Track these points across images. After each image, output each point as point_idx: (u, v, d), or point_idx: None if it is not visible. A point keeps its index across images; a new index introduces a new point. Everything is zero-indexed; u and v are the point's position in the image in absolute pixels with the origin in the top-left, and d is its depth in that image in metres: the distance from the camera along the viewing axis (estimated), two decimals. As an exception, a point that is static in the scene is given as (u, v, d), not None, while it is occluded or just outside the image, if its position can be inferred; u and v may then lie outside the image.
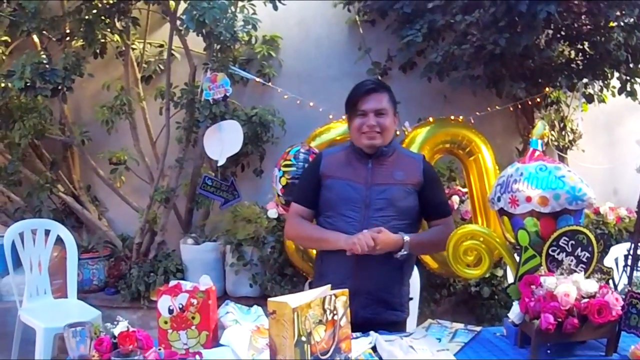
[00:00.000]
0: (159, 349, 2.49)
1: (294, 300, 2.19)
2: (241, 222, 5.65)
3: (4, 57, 5.97)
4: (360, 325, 2.79)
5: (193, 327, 2.66)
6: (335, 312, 2.32)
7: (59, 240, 5.22)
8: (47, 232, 5.17)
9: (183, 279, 5.60)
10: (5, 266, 4.92)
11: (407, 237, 3.12)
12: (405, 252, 3.14)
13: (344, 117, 4.93)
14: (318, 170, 3.30)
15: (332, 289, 2.41)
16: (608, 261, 4.26)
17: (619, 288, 2.77)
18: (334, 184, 3.24)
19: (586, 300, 2.47)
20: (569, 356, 2.59)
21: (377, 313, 3.13)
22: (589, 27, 5.34)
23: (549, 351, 2.58)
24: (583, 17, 5.29)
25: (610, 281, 2.68)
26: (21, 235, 4.97)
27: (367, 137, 3.17)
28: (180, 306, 2.64)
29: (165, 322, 2.65)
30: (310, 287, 3.05)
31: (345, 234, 3.11)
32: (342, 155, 3.33)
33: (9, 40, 6.02)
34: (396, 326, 3.16)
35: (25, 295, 4.97)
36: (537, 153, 2.91)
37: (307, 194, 3.38)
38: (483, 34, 5.07)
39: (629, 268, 2.76)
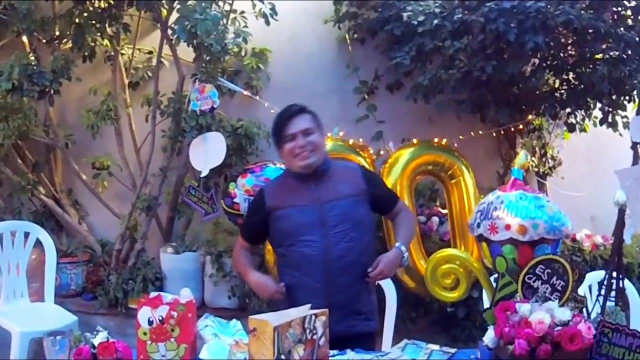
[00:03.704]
0: None
1: (274, 318, 2.22)
2: (222, 233, 5.67)
3: (-10, 58, 5.94)
4: (334, 340, 2.79)
5: (172, 340, 2.66)
6: (314, 331, 2.36)
7: (38, 243, 5.20)
8: (27, 235, 5.15)
9: (161, 287, 5.63)
10: (-17, 267, 4.87)
11: (402, 247, 3.31)
12: (406, 258, 3.35)
13: (329, 133, 5.01)
14: (264, 207, 3.34)
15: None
16: (583, 288, 4.31)
17: (592, 316, 2.81)
18: (285, 213, 3.27)
19: (559, 327, 2.49)
20: (542, 382, 2.61)
21: (352, 326, 3.17)
22: (574, 58, 5.42)
23: (522, 376, 2.62)
24: (569, 48, 5.37)
25: (584, 310, 2.72)
26: (0, 237, 4.96)
27: (301, 158, 3.20)
28: (160, 318, 2.65)
29: (145, 334, 2.65)
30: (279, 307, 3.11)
31: (260, 276, 3.40)
32: (283, 184, 3.39)
33: (-3, 40, 6.01)
34: (369, 338, 3.26)
35: (2, 297, 4.95)
36: (518, 182, 2.96)
37: (252, 230, 3.50)
38: (471, 60, 5.13)
39: (602, 298, 2.81)
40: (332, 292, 3.14)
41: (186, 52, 5.71)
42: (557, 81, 5.73)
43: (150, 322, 2.65)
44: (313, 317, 2.36)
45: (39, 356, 4.75)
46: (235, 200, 4.28)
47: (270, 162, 4.46)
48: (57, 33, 5.80)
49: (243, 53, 6.15)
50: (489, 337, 2.69)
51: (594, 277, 4.21)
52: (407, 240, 3.44)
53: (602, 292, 2.84)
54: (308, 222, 3.20)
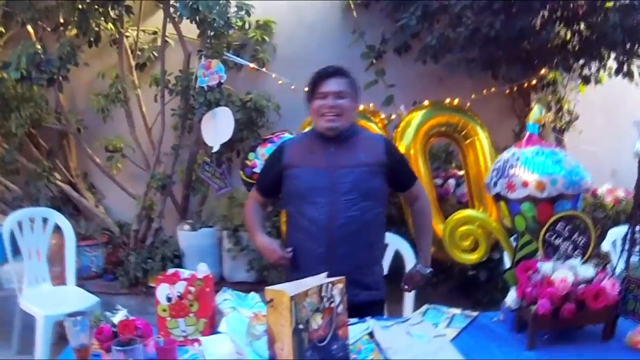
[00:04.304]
0: (158, 337, 2.52)
1: (291, 288, 2.20)
2: (237, 208, 5.65)
3: (-1, 48, 5.96)
4: None
5: (191, 315, 2.68)
6: (332, 299, 2.33)
7: (57, 228, 5.23)
8: (45, 221, 5.19)
9: (180, 265, 5.66)
10: (5, 254, 4.94)
11: (424, 269, 3.40)
12: (428, 270, 3.40)
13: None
14: (280, 162, 3.31)
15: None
16: (606, 244, 4.26)
17: (617, 272, 2.77)
18: (299, 172, 3.25)
19: (583, 285, 2.47)
20: (566, 342, 2.59)
21: (354, 295, 3.03)
22: (584, 8, 5.30)
23: (546, 336, 2.59)
24: (579, -3, 5.28)
25: (608, 266, 2.68)
26: (20, 224, 5.00)
27: (326, 119, 3.17)
28: (179, 294, 2.66)
29: (164, 310, 2.66)
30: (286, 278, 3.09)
31: (268, 239, 3.36)
32: (304, 143, 3.36)
33: (3, 31, 6.02)
34: (374, 307, 3.22)
35: (25, 283, 5.00)
36: (534, 137, 2.91)
37: (266, 184, 3.47)
38: (478, 16, 5.04)
39: (626, 253, 2.76)
40: (334, 259, 3.11)
41: (190, 30, 5.68)
42: (569, 33, 5.57)
43: (168, 299, 2.67)
44: (330, 285, 2.33)
45: (64, 338, 4.82)
46: (255, 170, 4.26)
47: (287, 131, 4.43)
48: (62, 20, 5.79)
49: (247, 26, 6.13)
50: (511, 298, 2.69)
51: (618, 232, 4.18)
52: (428, 253, 3.45)
53: (626, 247, 2.77)
54: (319, 185, 3.18)
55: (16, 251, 4.98)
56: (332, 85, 3.19)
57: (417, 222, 3.52)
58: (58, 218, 5.24)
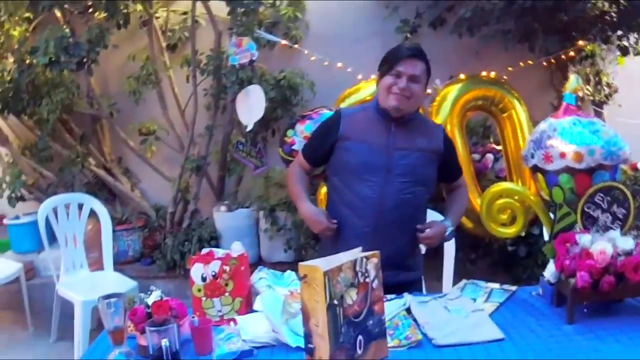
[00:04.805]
0: (193, 317, 2.51)
1: (324, 264, 2.17)
2: (273, 188, 5.69)
3: (27, 34, 5.99)
4: None
5: (227, 294, 2.67)
6: (367, 274, 2.30)
7: (93, 214, 5.26)
8: (81, 206, 5.21)
9: (217, 246, 5.64)
10: (41, 242, 4.97)
11: (448, 222, 3.26)
12: (450, 232, 3.27)
13: (372, 76, 4.91)
14: (336, 131, 3.22)
15: None
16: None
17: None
18: (354, 147, 3.17)
19: (622, 257, 2.43)
20: (606, 315, 2.55)
21: (395, 275, 3.11)
22: (623, -22, 5.23)
23: (585, 310, 2.55)
24: (617, -33, 5.19)
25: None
26: (55, 211, 5.02)
27: (396, 98, 3.08)
28: (213, 273, 2.66)
29: (199, 290, 2.67)
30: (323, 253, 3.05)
31: (313, 209, 3.28)
32: (363, 116, 3.26)
33: (31, 17, 6.03)
34: (414, 285, 3.21)
35: (62, 269, 5.04)
36: (571, 108, 2.85)
37: (316, 151, 3.36)
38: (513, -14, 4.97)
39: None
40: (380, 239, 3.05)
41: (220, 9, 5.65)
42: (606, 3, 5.51)
43: (203, 279, 2.66)
44: (364, 259, 2.30)
45: (102, 324, 4.84)
46: (294, 147, 4.21)
47: (325, 107, 4.39)
48: (90, 3, 5.74)
49: (278, 3, 6.10)
50: (550, 271, 2.66)
51: (658, 204, 4.10)
52: (456, 220, 3.39)
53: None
54: (375, 163, 3.12)
55: (52, 238, 5.01)
56: (409, 66, 3.08)
57: (453, 198, 3.48)
58: (94, 203, 5.25)
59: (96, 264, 5.43)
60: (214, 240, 5.86)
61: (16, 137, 6.39)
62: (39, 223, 4.92)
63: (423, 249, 3.47)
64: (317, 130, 3.52)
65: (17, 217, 6.29)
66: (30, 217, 6.08)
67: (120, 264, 5.89)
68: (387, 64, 3.13)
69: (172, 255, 5.83)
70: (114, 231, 5.40)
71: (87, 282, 5.01)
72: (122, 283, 4.99)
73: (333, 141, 3.22)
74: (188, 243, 5.84)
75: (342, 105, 4.91)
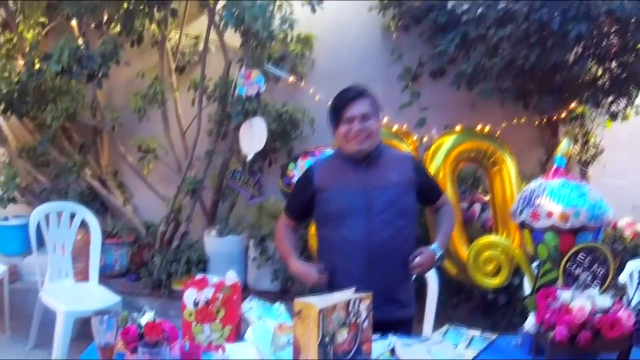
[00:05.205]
0: (184, 341, 2.55)
1: (320, 301, 2.25)
2: (266, 217, 5.70)
3: (39, 38, 6.02)
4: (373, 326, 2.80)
5: (217, 321, 2.70)
6: (358, 314, 2.39)
7: (84, 224, 5.28)
8: (73, 215, 5.23)
9: (205, 270, 5.71)
10: (28, 246, 5.03)
11: (437, 249, 3.28)
12: (439, 257, 3.29)
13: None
14: (311, 185, 3.30)
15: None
16: (623, 276, 4.34)
17: (633, 304, 2.84)
18: (332, 196, 3.24)
19: (600, 315, 2.49)
20: (582, 368, 2.63)
21: (390, 312, 3.16)
22: (617, 47, 5.37)
23: (562, 362, 2.65)
24: (612, 36, 5.33)
25: (624, 297, 2.74)
26: (46, 217, 5.05)
27: (356, 142, 3.15)
28: (206, 300, 2.69)
29: (190, 315, 2.69)
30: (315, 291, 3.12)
31: (303, 264, 3.30)
32: (333, 165, 3.34)
33: (46, 22, 6.10)
34: (406, 324, 3.27)
35: (47, 276, 5.05)
36: (560, 170, 2.98)
37: (297, 208, 3.45)
38: (514, 48, 5.10)
39: (641, 286, 2.83)
40: (372, 278, 3.11)
41: (232, 37, 5.76)
42: (600, 70, 5.68)
43: (195, 304, 2.69)
44: (357, 300, 2.39)
45: (82, 335, 4.87)
46: (293, 180, 4.29)
47: (328, 146, 4.45)
48: (106, 17, 5.84)
49: (289, 39, 6.18)
50: (530, 323, 2.76)
51: (635, 265, 4.26)
52: (444, 241, 3.41)
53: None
54: (354, 207, 3.18)
55: (40, 243, 5.02)
56: (356, 108, 3.15)
57: (441, 218, 3.53)
58: (86, 214, 5.29)
59: (81, 274, 5.45)
60: (202, 263, 5.86)
61: (14, 138, 6.40)
62: (30, 228, 4.94)
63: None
64: (294, 188, 3.60)
65: (6, 219, 6.29)
66: (19, 220, 6.12)
67: (105, 276, 5.87)
68: (336, 114, 3.20)
69: (158, 274, 5.83)
70: (103, 244, 5.42)
71: (71, 292, 5.03)
72: (106, 297, 5.02)
73: (311, 195, 3.30)
74: (176, 264, 5.82)
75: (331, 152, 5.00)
